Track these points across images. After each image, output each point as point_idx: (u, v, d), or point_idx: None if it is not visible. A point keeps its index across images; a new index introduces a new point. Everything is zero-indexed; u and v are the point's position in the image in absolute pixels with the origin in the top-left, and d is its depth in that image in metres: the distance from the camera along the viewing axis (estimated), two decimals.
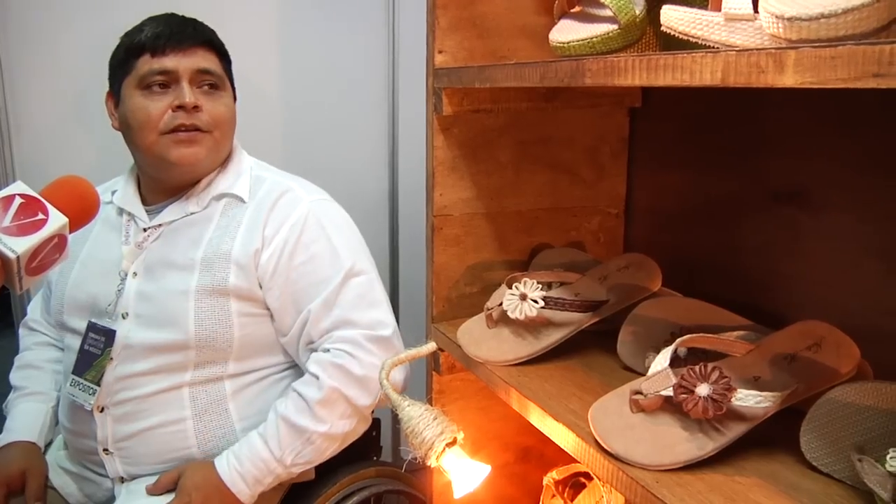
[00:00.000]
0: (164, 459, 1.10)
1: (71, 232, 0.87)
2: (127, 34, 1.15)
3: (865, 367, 0.71)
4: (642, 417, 0.69)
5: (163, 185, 1.17)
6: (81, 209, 0.94)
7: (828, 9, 0.48)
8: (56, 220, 0.88)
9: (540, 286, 0.88)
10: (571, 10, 0.83)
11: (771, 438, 0.69)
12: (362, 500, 1.20)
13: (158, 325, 1.09)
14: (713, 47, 0.64)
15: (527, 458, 1.12)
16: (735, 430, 0.66)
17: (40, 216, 0.89)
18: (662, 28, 0.69)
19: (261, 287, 1.11)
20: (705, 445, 0.66)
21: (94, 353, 1.12)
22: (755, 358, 0.71)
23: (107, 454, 1.11)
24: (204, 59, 1.13)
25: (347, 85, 1.84)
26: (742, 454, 0.68)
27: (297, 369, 1.19)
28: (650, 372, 0.71)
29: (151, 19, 1.14)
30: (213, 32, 1.17)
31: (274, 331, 1.15)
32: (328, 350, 1.08)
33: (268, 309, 1.13)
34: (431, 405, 1.03)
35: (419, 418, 0.89)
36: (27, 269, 0.87)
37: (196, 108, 1.09)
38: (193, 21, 1.16)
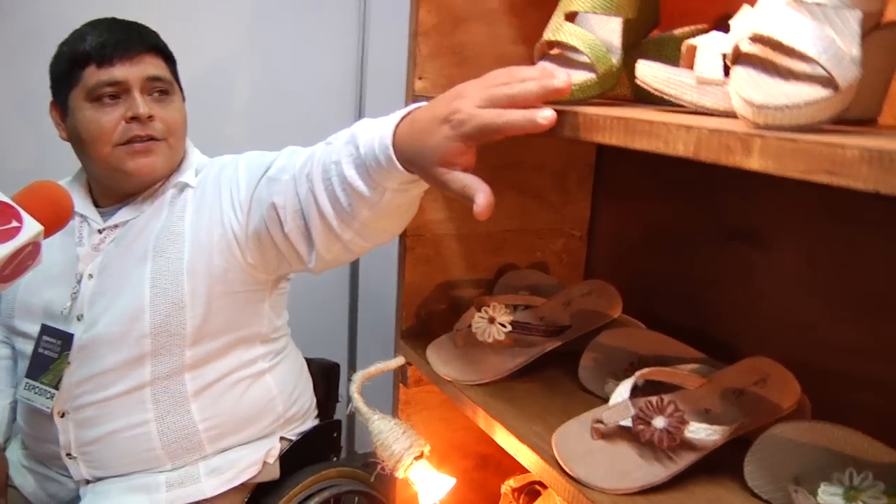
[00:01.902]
0: (128, 461, 1.12)
1: (45, 238, 0.89)
2: (67, 43, 1.13)
3: (804, 402, 0.78)
4: (602, 444, 0.76)
5: (117, 191, 1.17)
6: (55, 215, 0.95)
7: (791, 101, 0.54)
8: (31, 227, 0.89)
9: (507, 310, 0.93)
10: (550, 52, 0.88)
11: (719, 466, 0.76)
12: (323, 500, 1.24)
13: (113, 319, 1.10)
14: (682, 105, 0.70)
15: (485, 465, 1.19)
16: (686, 459, 0.73)
17: (14, 223, 0.90)
18: (637, 80, 0.75)
19: (240, 227, 1.09)
20: (659, 473, 0.73)
21: (49, 356, 1.13)
22: (707, 391, 0.78)
23: (70, 458, 1.12)
24: (152, 66, 1.13)
25: (314, 95, 1.89)
26: (692, 480, 0.74)
27: (257, 372, 1.21)
28: (611, 402, 0.77)
29: (92, 26, 1.13)
30: (157, 36, 1.17)
31: (235, 310, 1.14)
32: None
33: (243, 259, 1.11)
34: (397, 416, 1.08)
35: (389, 432, 0.94)
36: (0, 276, 0.89)
37: (150, 117, 1.10)
38: (137, 26, 1.16)
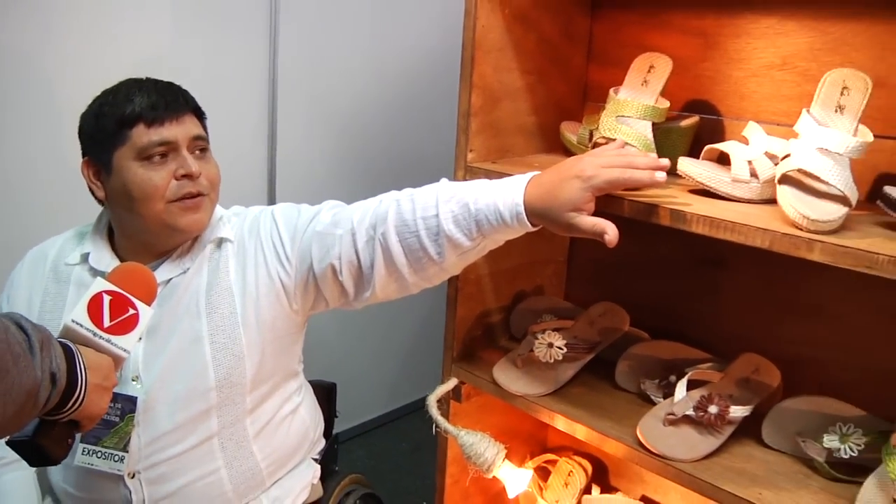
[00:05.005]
0: None
1: None
2: (110, 104, 1.25)
3: (780, 381, 1.28)
4: (672, 429, 1.18)
5: (156, 247, 1.32)
6: (149, 295, 1.14)
7: (832, 216, 0.99)
8: (145, 312, 1.09)
9: (559, 335, 1.32)
10: (598, 142, 1.25)
11: (744, 432, 1.22)
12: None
13: (177, 378, 1.27)
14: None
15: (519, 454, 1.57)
16: (728, 431, 1.19)
17: (131, 311, 1.09)
18: (679, 173, 1.16)
19: (289, 275, 1.31)
20: (714, 443, 1.17)
21: (107, 419, 1.27)
22: (726, 383, 1.24)
23: None
24: (194, 126, 1.30)
25: (226, 107, 2.06)
26: (730, 444, 1.20)
27: (295, 406, 1.45)
28: (675, 398, 1.20)
29: (133, 87, 1.27)
30: (192, 96, 1.34)
31: (280, 353, 1.37)
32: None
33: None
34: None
35: (479, 443, 1.29)
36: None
37: (199, 174, 1.29)
38: (178, 87, 1.32)
